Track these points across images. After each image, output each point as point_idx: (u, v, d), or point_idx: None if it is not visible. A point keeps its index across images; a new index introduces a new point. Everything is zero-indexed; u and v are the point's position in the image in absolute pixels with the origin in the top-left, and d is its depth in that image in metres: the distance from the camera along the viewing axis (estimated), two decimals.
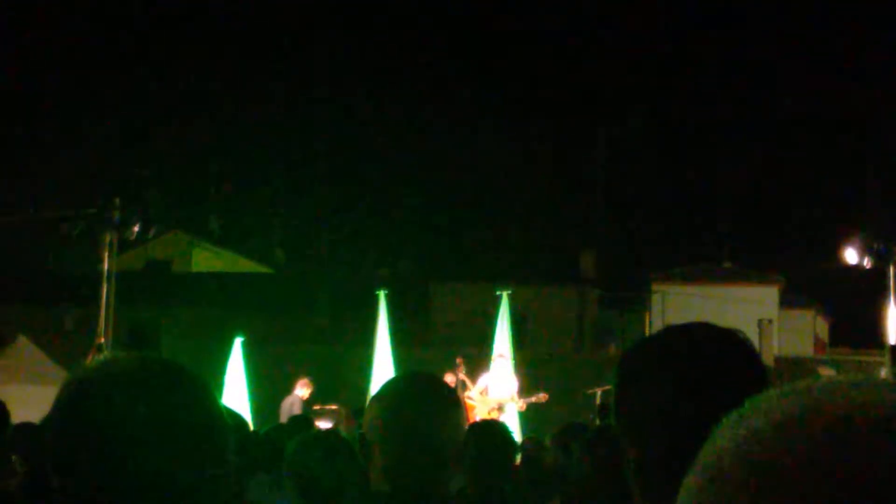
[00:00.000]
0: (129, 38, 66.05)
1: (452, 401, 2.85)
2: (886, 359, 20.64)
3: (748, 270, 43.83)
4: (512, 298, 22.15)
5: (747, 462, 0.80)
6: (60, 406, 1.78)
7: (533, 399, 20.18)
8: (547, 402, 20.50)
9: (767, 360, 35.50)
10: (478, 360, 21.43)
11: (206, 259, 48.92)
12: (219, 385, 21.55)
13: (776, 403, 0.84)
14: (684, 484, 0.86)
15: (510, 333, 21.44)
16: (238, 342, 22.23)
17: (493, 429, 5.36)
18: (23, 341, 23.50)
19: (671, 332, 2.14)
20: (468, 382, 19.91)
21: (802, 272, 46.16)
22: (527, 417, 20.64)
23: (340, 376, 25.46)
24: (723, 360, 2.01)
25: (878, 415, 0.79)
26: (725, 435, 0.85)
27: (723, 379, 1.96)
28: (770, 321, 38.95)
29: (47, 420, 1.84)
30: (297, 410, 18.30)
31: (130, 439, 1.70)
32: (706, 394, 1.93)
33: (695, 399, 1.93)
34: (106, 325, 20.78)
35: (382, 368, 21.51)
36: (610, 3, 71.84)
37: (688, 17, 71.47)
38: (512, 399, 19.91)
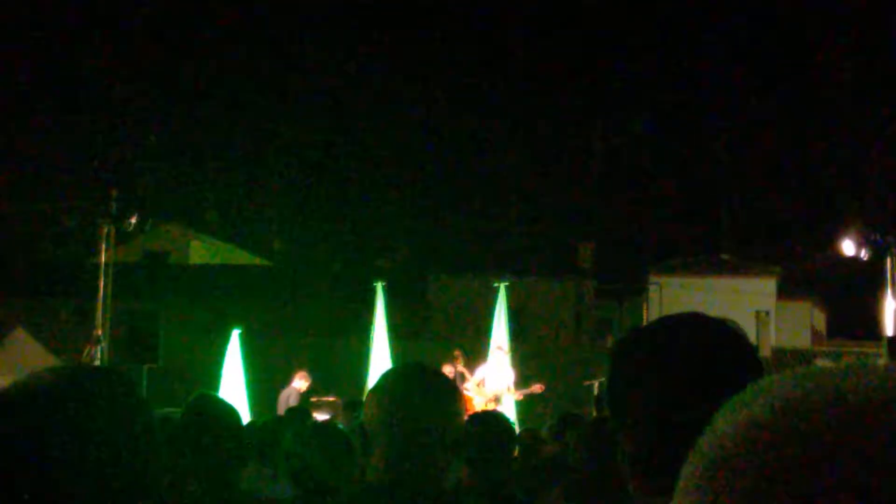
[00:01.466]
0: (127, 30, 65.91)
1: (450, 391, 2.86)
2: (884, 350, 20.66)
3: (745, 262, 43.85)
4: (510, 290, 22.16)
5: (750, 446, 0.81)
6: None
7: (529, 390, 20.22)
8: (544, 393, 20.53)
9: (765, 351, 35.53)
10: (476, 353, 21.45)
11: (204, 251, 48.88)
12: (216, 376, 21.57)
13: (777, 388, 0.84)
14: (684, 470, 0.86)
15: (508, 325, 21.46)
16: (235, 334, 22.21)
17: (492, 420, 5.37)
18: (20, 333, 23.52)
19: (663, 323, 2.14)
20: (466, 374, 19.92)
21: (800, 264, 46.21)
22: (524, 409, 20.67)
23: (338, 368, 25.45)
24: (714, 350, 2.01)
25: (878, 397, 0.80)
26: (726, 420, 0.85)
27: (714, 369, 1.97)
28: (767, 313, 39.01)
29: None
30: (294, 402, 18.29)
31: (46, 455, 1.69)
32: (698, 384, 1.93)
33: (686, 390, 1.94)
34: (103, 317, 20.80)
35: (380, 360, 21.52)
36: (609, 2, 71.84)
37: (684, 10, 71.42)
38: (508, 390, 19.94)
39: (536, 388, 20.20)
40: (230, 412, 4.36)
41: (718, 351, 2.01)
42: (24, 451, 1.70)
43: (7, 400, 1.78)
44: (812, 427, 0.79)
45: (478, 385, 19.67)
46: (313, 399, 20.29)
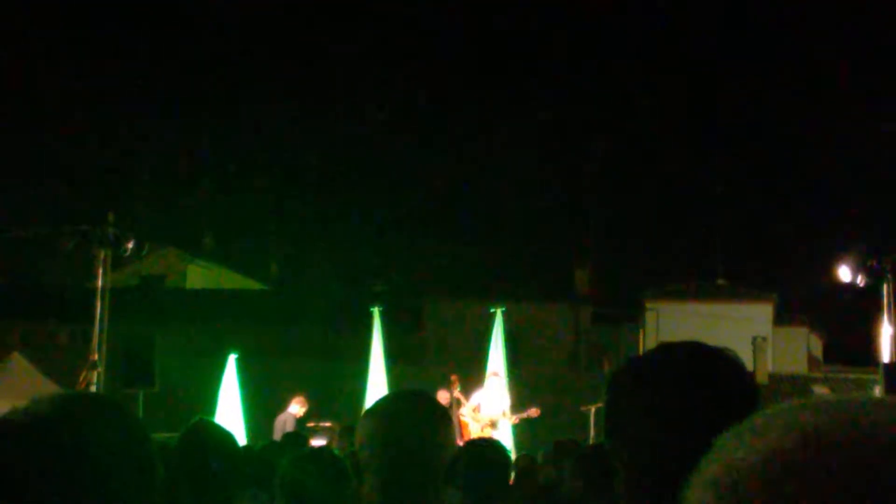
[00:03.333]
0: (126, 55, 66.04)
1: (442, 417, 2.87)
2: (880, 376, 20.63)
3: (742, 288, 43.82)
4: (506, 316, 22.15)
5: (773, 476, 0.80)
6: None
7: (525, 415, 20.18)
8: (541, 418, 20.49)
9: (761, 377, 35.49)
10: (472, 377, 21.42)
11: (201, 275, 48.86)
12: (213, 401, 21.52)
13: (792, 419, 0.84)
14: (690, 496, 0.86)
15: (504, 351, 21.43)
16: (232, 358, 22.18)
17: (488, 446, 5.36)
18: (17, 357, 23.48)
19: (661, 350, 2.15)
20: (462, 400, 19.89)
21: (796, 290, 46.25)
22: (520, 434, 20.62)
23: (334, 393, 25.42)
24: (712, 378, 2.02)
25: None
26: (739, 448, 0.84)
27: (713, 397, 1.97)
28: (764, 338, 38.94)
29: None
30: (290, 428, 18.25)
31: (41, 484, 1.69)
32: (697, 412, 1.94)
33: (685, 417, 1.94)
34: (100, 342, 20.74)
35: (376, 385, 21.48)
36: (603, 21, 72.04)
37: (680, 35, 71.66)
38: (504, 415, 19.90)
39: (532, 412, 20.16)
40: (226, 438, 4.36)
41: (717, 379, 2.02)
42: (20, 479, 1.71)
43: (3, 429, 1.78)
44: (843, 461, 0.79)
45: (474, 410, 19.65)
46: (310, 424, 20.24)
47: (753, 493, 0.80)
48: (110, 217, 20.81)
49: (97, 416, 1.83)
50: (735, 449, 0.85)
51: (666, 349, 2.13)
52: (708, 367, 2.04)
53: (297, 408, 19.98)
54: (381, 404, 2.91)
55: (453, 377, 20.76)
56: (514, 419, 20.15)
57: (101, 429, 1.80)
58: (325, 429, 20.18)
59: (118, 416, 1.86)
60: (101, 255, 20.81)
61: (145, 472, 1.83)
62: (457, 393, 20.01)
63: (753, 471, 0.81)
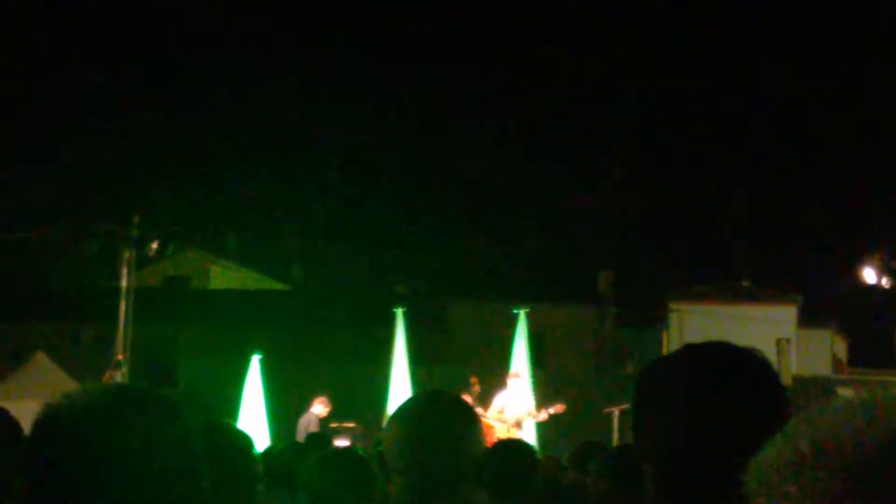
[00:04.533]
0: (150, 58, 66.26)
1: (470, 417, 2.86)
2: None
3: (766, 290, 43.63)
4: (529, 317, 22.12)
5: (792, 477, 0.80)
6: (36, 431, 1.77)
7: (552, 410, 20.09)
8: (564, 419, 20.44)
9: (786, 379, 35.30)
10: (495, 379, 21.40)
11: (224, 276, 48.98)
12: (236, 402, 21.57)
13: (820, 422, 0.83)
14: (748, 482, 0.85)
15: (527, 352, 21.42)
16: (255, 359, 22.23)
17: (515, 447, 5.35)
18: (41, 357, 23.58)
19: (689, 351, 2.13)
20: (480, 410, 19.83)
21: (821, 291, 46.06)
22: (544, 436, 20.59)
23: (358, 393, 25.42)
24: (741, 379, 2.00)
25: None
26: (770, 451, 0.84)
27: (741, 398, 1.96)
28: (788, 340, 38.72)
29: (23, 443, 1.82)
30: (313, 428, 18.28)
31: (100, 468, 1.68)
32: (724, 413, 1.92)
33: (713, 419, 1.93)
34: (124, 342, 20.82)
35: (400, 386, 21.50)
36: (628, 28, 71.92)
37: (702, 36, 71.44)
38: (529, 414, 19.85)
39: (558, 407, 20.11)
40: (243, 439, 4.34)
41: (746, 380, 2.00)
42: (79, 465, 1.69)
43: (61, 413, 1.77)
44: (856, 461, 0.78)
45: (499, 412, 19.61)
46: (333, 425, 20.27)
47: (777, 493, 0.80)
48: (135, 218, 20.91)
49: (151, 410, 1.82)
50: (767, 451, 0.85)
51: (694, 350, 2.11)
52: (736, 368, 2.02)
53: (320, 408, 20.00)
54: (409, 405, 2.91)
55: (473, 378, 20.76)
56: (541, 416, 20.09)
57: (154, 426, 1.79)
58: (348, 429, 20.22)
59: (172, 414, 1.85)
60: (126, 256, 20.90)
61: (191, 476, 1.82)
62: (476, 395, 20.00)
63: (779, 473, 0.81)
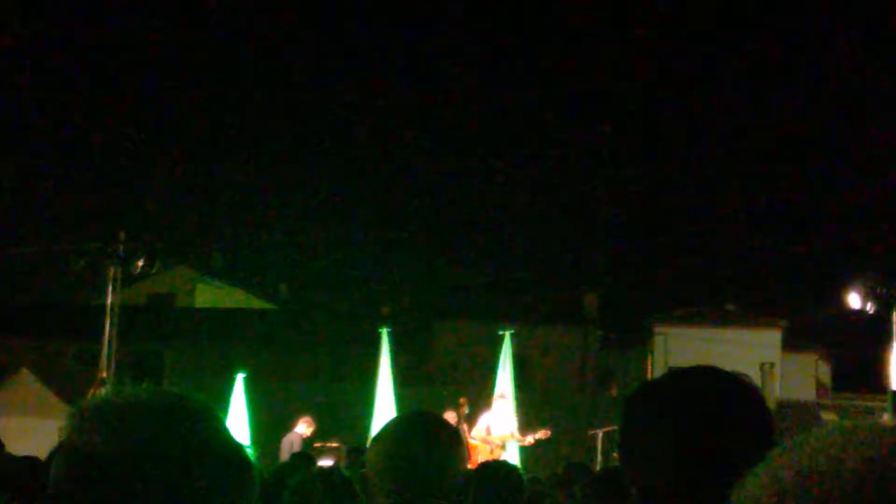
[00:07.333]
0: (135, 74, 66.30)
1: (453, 438, 2.86)
2: (889, 404, 20.57)
3: (750, 313, 43.69)
4: (514, 338, 22.12)
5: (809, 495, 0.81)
6: (70, 434, 1.75)
7: (538, 435, 20.10)
8: (549, 442, 20.44)
9: (769, 403, 35.30)
10: (480, 400, 21.39)
11: (210, 294, 48.89)
12: None
13: (800, 452, 0.84)
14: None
15: (512, 373, 21.40)
16: (240, 378, 22.19)
17: (501, 469, 5.35)
18: (25, 374, 23.50)
19: (676, 375, 2.15)
20: (466, 428, 19.80)
21: (805, 316, 46.11)
22: (528, 458, 20.57)
23: (342, 413, 25.39)
24: (727, 403, 2.02)
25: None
26: (754, 481, 0.85)
27: (727, 423, 1.97)
28: (772, 364, 38.80)
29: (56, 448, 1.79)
30: (297, 448, 18.23)
31: (143, 471, 1.66)
32: (711, 437, 1.94)
33: (699, 443, 1.94)
34: (108, 359, 20.76)
35: (384, 406, 21.46)
36: (613, 48, 72.16)
37: (685, 60, 71.75)
38: (512, 436, 19.84)
39: (544, 433, 20.12)
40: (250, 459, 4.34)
41: (733, 405, 2.01)
42: (131, 464, 1.66)
43: (114, 411, 1.75)
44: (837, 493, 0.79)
45: (486, 432, 19.58)
46: (317, 444, 20.22)
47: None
48: (121, 235, 20.87)
49: (206, 423, 1.79)
50: (751, 481, 0.86)
51: (681, 374, 2.12)
52: (723, 392, 2.03)
53: (304, 428, 19.96)
54: (392, 425, 2.91)
55: (462, 399, 20.73)
56: (526, 441, 20.09)
57: (208, 430, 1.77)
58: (332, 449, 20.16)
59: (223, 430, 1.83)
60: (111, 273, 20.85)
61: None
62: (463, 416, 19.98)
63: (795, 487, 0.82)
